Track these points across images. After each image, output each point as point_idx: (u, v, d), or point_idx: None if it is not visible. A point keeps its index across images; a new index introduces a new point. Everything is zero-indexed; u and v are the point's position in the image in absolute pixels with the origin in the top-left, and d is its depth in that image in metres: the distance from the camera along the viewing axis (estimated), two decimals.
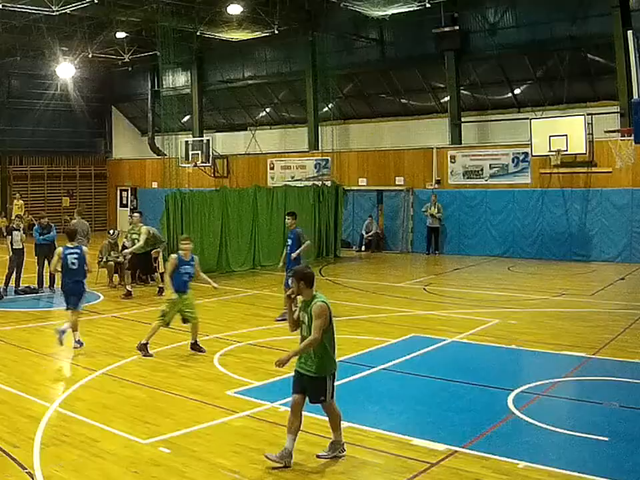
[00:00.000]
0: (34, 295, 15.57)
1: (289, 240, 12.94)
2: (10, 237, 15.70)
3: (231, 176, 29.63)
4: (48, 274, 15.91)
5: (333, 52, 26.43)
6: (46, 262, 16.05)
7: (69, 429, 7.35)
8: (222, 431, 7.29)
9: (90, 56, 27.82)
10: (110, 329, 12.17)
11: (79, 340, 10.62)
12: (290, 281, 6.89)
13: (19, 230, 15.76)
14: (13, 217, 19.12)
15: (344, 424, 7.32)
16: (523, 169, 22.51)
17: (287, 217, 13.40)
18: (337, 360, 6.55)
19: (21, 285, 15.78)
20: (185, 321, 10.55)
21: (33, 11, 21.61)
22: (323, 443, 6.85)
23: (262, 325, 12.37)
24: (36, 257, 15.94)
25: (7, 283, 15.50)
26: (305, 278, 6.41)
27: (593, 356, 10.20)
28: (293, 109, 30.05)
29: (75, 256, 10.73)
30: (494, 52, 23.43)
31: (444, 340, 11.26)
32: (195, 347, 10.53)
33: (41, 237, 15.75)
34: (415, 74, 25.83)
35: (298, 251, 12.69)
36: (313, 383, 6.34)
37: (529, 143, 21.42)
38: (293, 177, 27.72)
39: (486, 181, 23.27)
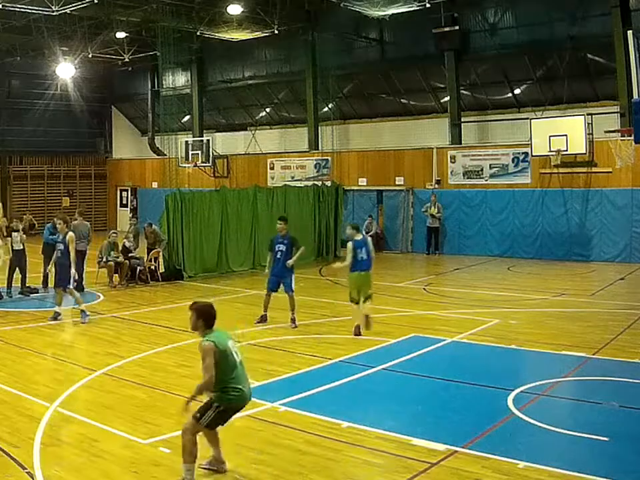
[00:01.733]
0: (34, 294, 15.53)
1: (281, 246, 12.48)
2: (10, 238, 15.64)
3: (231, 176, 29.62)
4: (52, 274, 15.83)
5: (332, 52, 26.41)
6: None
7: (69, 429, 7.35)
8: (222, 431, 7.27)
9: (90, 56, 27.81)
10: (110, 329, 12.17)
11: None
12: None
13: (18, 231, 15.71)
14: None
15: (344, 424, 7.34)
16: (523, 169, 22.51)
17: (279, 221, 12.94)
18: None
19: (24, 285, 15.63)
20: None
21: (33, 11, 21.60)
22: (324, 443, 6.86)
23: (262, 325, 12.36)
24: (42, 255, 15.80)
25: (9, 285, 15.43)
26: (205, 317, 6.01)
27: (593, 356, 10.19)
28: (292, 109, 30.05)
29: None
30: (494, 52, 23.44)
31: (444, 340, 11.25)
32: (368, 321, 11.35)
33: (51, 237, 15.65)
34: (415, 74, 25.83)
35: (295, 257, 12.50)
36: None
37: (529, 143, 21.41)
38: (293, 177, 27.71)
39: (486, 181, 23.27)
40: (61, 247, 12.87)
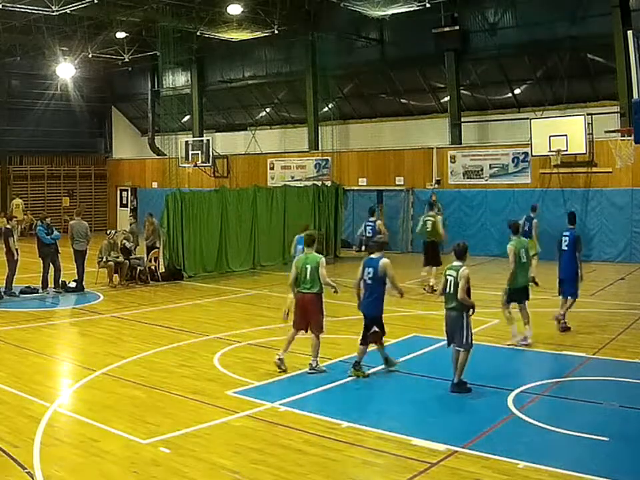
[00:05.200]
0: (34, 295, 15.52)
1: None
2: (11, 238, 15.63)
3: (231, 176, 29.59)
4: (53, 275, 15.82)
5: (332, 52, 26.40)
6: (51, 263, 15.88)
7: (69, 429, 7.35)
8: (222, 431, 7.29)
9: (90, 56, 27.79)
10: (110, 329, 12.16)
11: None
12: None
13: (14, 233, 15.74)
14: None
15: (344, 424, 7.34)
16: (523, 169, 22.49)
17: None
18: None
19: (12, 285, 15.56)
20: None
21: (33, 11, 21.59)
22: (324, 443, 6.87)
23: (262, 325, 12.36)
24: (41, 258, 15.74)
25: (9, 285, 15.41)
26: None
27: (593, 356, 10.19)
28: (292, 109, 30.04)
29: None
30: (494, 52, 23.42)
31: (444, 340, 11.21)
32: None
33: (50, 237, 15.64)
34: (414, 74, 25.82)
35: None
36: None
37: (529, 143, 21.37)
38: (292, 177, 27.70)
39: (486, 181, 23.26)
40: (370, 271, 9.45)
